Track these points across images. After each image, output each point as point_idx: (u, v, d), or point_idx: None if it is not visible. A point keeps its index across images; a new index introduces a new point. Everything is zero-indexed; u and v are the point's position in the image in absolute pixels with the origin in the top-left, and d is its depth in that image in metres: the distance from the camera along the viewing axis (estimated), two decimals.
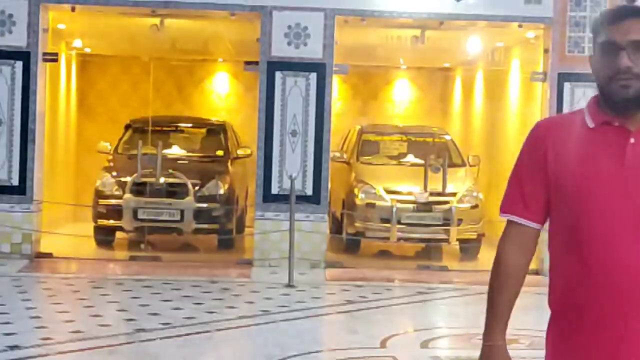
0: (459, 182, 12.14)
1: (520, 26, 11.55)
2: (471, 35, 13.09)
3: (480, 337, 2.21)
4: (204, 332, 7.53)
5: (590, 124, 2.10)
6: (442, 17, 11.32)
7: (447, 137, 13.93)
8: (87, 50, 14.86)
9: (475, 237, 12.12)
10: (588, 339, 2.09)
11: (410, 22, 11.62)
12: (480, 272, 10.61)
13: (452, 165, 12.50)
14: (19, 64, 10.51)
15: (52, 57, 11.11)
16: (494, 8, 11.03)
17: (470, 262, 12.12)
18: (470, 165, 12.97)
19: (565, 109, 10.95)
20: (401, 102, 17.18)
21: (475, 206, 12.09)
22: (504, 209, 2.22)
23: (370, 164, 12.53)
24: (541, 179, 2.13)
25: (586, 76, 10.16)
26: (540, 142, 2.16)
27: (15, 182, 10.59)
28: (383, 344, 7.00)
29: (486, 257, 11.85)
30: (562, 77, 11.11)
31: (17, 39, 10.45)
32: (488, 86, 15.26)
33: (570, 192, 2.09)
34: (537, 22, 11.27)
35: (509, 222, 2.21)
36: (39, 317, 7.75)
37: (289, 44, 10.92)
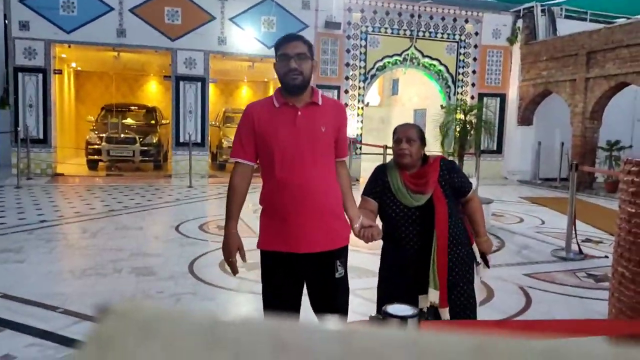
0: None
1: None
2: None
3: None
4: (145, 210, 7.50)
5: (276, 104, 2.10)
6: (262, 56, 11.70)
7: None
8: (79, 68, 14.75)
9: None
10: (282, 225, 2.08)
11: (247, 58, 12.08)
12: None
13: None
14: (41, 76, 10.79)
15: (59, 72, 11.39)
16: None
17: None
18: None
19: None
20: (245, 97, 17.07)
21: None
22: (232, 155, 2.17)
23: (229, 127, 12.27)
24: (252, 136, 2.09)
25: (327, 86, 12.48)
26: (250, 114, 2.12)
27: (42, 137, 10.94)
28: None
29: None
30: (317, 87, 12.72)
31: (39, 62, 10.73)
32: None
33: (267, 142, 2.07)
34: None
35: (235, 162, 2.15)
36: (56, 205, 7.74)
37: (186, 67, 11.34)
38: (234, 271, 2.17)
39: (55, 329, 3.18)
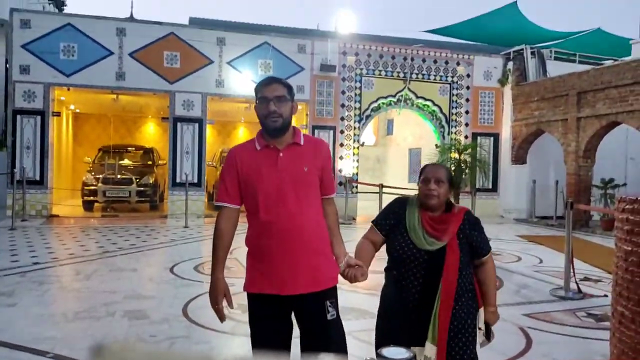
0: None
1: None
2: None
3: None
4: (140, 251, 7.43)
5: (258, 147, 2.09)
6: None
7: None
8: (77, 110, 14.92)
9: None
10: (268, 266, 2.05)
11: (243, 100, 11.97)
12: None
13: None
14: (39, 118, 10.83)
15: (57, 114, 11.49)
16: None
17: None
18: None
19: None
20: (242, 137, 16.91)
21: None
22: (217, 200, 2.15)
23: None
24: (235, 179, 2.08)
25: (323, 127, 12.77)
26: (233, 159, 2.11)
27: (38, 178, 10.89)
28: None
29: None
30: (313, 127, 12.19)
31: (38, 105, 10.79)
32: None
33: (250, 185, 2.06)
34: (302, 102, 11.90)
35: (221, 206, 2.13)
36: (50, 247, 7.63)
37: (183, 108, 11.41)
38: (221, 318, 2.13)
39: None
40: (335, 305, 2.14)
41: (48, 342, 3.62)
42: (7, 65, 11.08)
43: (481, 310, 2.26)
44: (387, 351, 1.07)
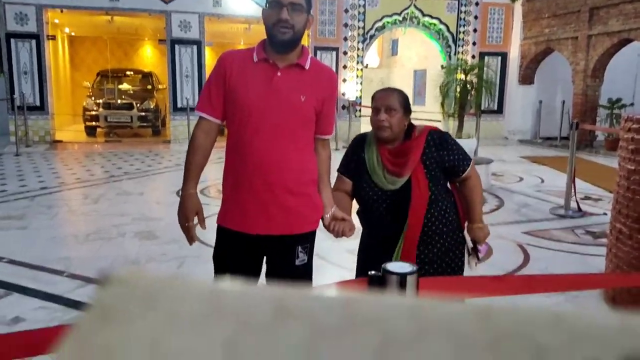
0: None
1: None
2: None
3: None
4: (145, 175, 7.49)
5: (255, 59, 1.82)
6: (259, 18, 11.61)
7: None
8: (72, 33, 14.59)
9: None
10: (243, 200, 1.86)
11: (243, 20, 11.76)
12: None
13: None
14: (34, 42, 10.61)
15: (52, 37, 11.30)
16: None
17: None
18: None
19: None
20: None
21: None
22: (197, 108, 1.89)
23: None
24: (222, 90, 1.83)
25: (325, 48, 12.18)
26: (223, 65, 1.85)
27: (39, 104, 10.83)
28: None
29: None
30: (315, 48, 11.64)
31: (31, 28, 10.54)
32: None
33: (236, 100, 1.81)
34: None
35: (200, 117, 1.89)
36: (56, 172, 7.72)
37: (180, 30, 11.10)
38: (190, 239, 1.96)
39: (62, 292, 3.23)
40: (307, 251, 1.96)
41: (62, 262, 3.73)
42: None
43: (465, 232, 2.07)
44: (392, 266, 1.09)
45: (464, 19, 12.97)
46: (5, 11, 10.46)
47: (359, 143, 2.07)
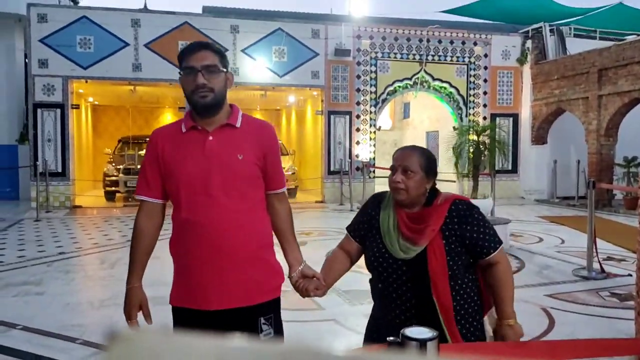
0: (286, 162, 12.30)
1: (310, 89, 12.36)
2: (288, 94, 13.68)
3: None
4: (162, 239, 7.74)
5: (183, 129, 1.76)
6: (274, 85, 11.98)
7: (279, 142, 14.94)
8: (96, 102, 15.02)
9: (294, 187, 12.46)
10: (190, 275, 1.76)
11: (259, 87, 12.22)
12: (296, 204, 11.18)
13: (282, 154, 13.18)
14: (59, 111, 11.00)
15: (76, 106, 11.67)
16: (298, 80, 11.93)
17: (292, 198, 11.60)
18: (290, 154, 13.30)
19: (330, 128, 12.16)
20: None
21: (294, 173, 12.59)
22: (136, 192, 1.84)
23: None
24: (157, 169, 1.77)
25: (338, 112, 12.75)
26: (154, 144, 1.79)
27: (60, 170, 11.08)
28: None
29: (300, 196, 12.68)
30: (329, 113, 12.25)
31: (57, 98, 10.95)
32: (297, 117, 15.74)
33: (172, 176, 1.75)
34: (317, 87, 12.14)
35: (140, 200, 1.82)
36: (74, 237, 7.77)
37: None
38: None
39: None
40: (273, 322, 1.79)
41: (77, 329, 3.72)
42: (26, 60, 11.34)
43: (486, 319, 1.82)
44: (410, 331, 1.09)
45: (474, 82, 13.28)
46: (35, 83, 10.93)
47: (375, 202, 1.90)
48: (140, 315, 1.84)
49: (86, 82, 11.48)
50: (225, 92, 1.77)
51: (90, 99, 14.42)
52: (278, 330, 1.82)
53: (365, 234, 1.85)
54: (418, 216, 1.75)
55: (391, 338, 1.18)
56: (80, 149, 12.73)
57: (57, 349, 3.38)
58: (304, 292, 1.78)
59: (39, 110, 11.01)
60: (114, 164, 12.05)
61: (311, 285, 1.76)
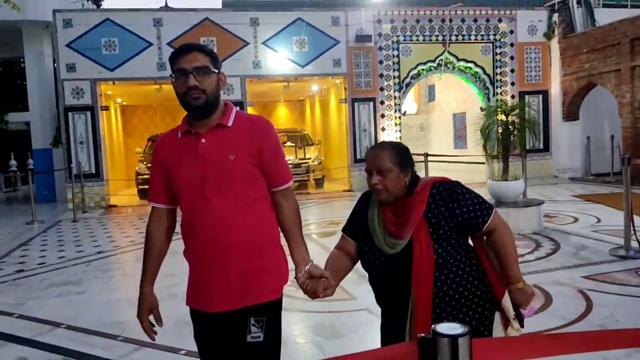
0: (312, 152, 12.79)
1: (332, 77, 12.33)
2: (311, 83, 13.82)
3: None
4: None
5: (179, 135, 1.79)
6: (296, 75, 12.07)
7: (304, 132, 14.48)
8: (124, 103, 15.21)
9: (321, 177, 12.80)
10: (195, 277, 1.80)
11: (281, 79, 12.32)
12: (324, 193, 11.83)
13: (308, 144, 13.15)
14: (89, 113, 11.27)
15: (105, 108, 11.90)
16: (320, 69, 11.93)
17: (320, 189, 12.61)
18: (316, 144, 13.53)
19: (355, 116, 12.16)
20: (282, 116, 17.94)
21: (320, 163, 12.76)
22: (148, 199, 1.90)
23: None
24: (161, 175, 1.82)
25: (362, 99, 12.75)
26: (157, 151, 1.85)
27: (94, 171, 11.40)
28: None
29: (327, 186, 12.81)
30: (352, 100, 12.17)
31: (86, 101, 11.22)
32: (321, 107, 15.81)
33: (172, 180, 1.78)
34: (340, 75, 12.11)
35: (152, 206, 1.88)
36: (111, 236, 7.89)
37: (224, 93, 11.74)
38: (150, 336, 1.85)
39: (117, 357, 3.28)
40: (264, 326, 1.72)
41: (117, 327, 3.81)
42: (55, 65, 11.56)
43: (505, 300, 1.75)
44: (441, 327, 1.05)
45: (500, 60, 12.98)
46: (64, 87, 11.23)
47: (364, 200, 1.86)
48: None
49: (113, 83, 11.68)
50: (219, 93, 1.77)
51: (119, 100, 14.64)
52: (272, 336, 1.75)
53: (358, 233, 1.84)
54: (400, 209, 1.72)
55: (422, 335, 1.16)
56: (112, 150, 12.95)
57: (100, 346, 3.48)
58: (312, 294, 1.70)
59: (70, 114, 11.29)
60: (145, 163, 12.19)
61: (320, 286, 1.68)
